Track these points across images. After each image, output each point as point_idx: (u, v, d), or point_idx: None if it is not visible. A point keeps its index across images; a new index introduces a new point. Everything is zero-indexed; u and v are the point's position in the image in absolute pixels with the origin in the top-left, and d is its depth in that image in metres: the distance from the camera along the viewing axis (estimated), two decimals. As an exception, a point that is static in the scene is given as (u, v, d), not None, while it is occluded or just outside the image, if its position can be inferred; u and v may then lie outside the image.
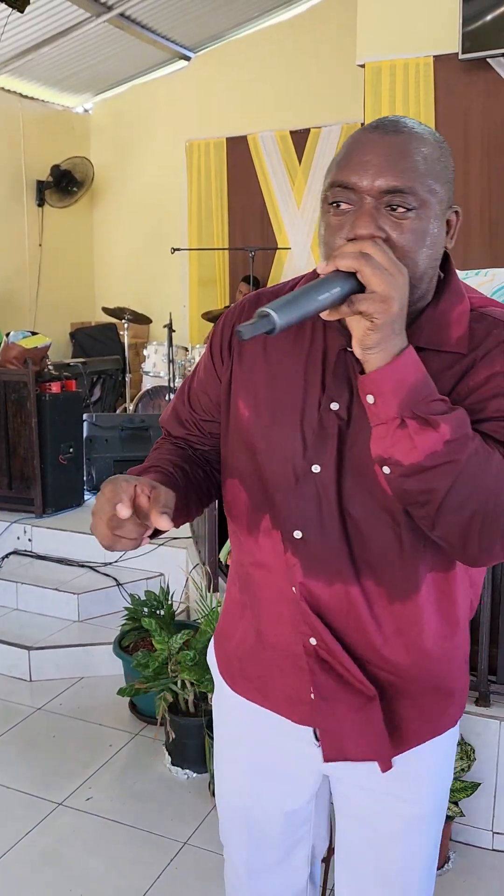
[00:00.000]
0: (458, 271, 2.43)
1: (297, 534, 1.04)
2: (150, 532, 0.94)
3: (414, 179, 0.92)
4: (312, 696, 1.11)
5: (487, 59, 4.38)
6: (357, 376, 0.94)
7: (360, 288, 0.87)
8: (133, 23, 5.94)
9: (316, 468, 1.02)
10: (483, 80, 4.47)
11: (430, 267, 0.97)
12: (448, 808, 1.98)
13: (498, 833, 2.12)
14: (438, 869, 2.04)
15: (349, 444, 1.01)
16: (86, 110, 7.34)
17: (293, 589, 1.07)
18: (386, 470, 0.92)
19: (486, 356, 0.96)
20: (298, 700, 1.13)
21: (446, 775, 1.22)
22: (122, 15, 5.75)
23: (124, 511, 0.89)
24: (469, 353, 0.97)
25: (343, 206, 0.94)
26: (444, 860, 2.06)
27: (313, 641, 1.08)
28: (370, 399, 0.90)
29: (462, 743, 2.08)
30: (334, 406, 1.01)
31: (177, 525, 1.01)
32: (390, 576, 1.03)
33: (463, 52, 4.34)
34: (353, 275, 0.87)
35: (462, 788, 2.03)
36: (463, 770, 2.03)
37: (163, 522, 0.89)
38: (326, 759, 1.13)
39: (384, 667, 1.08)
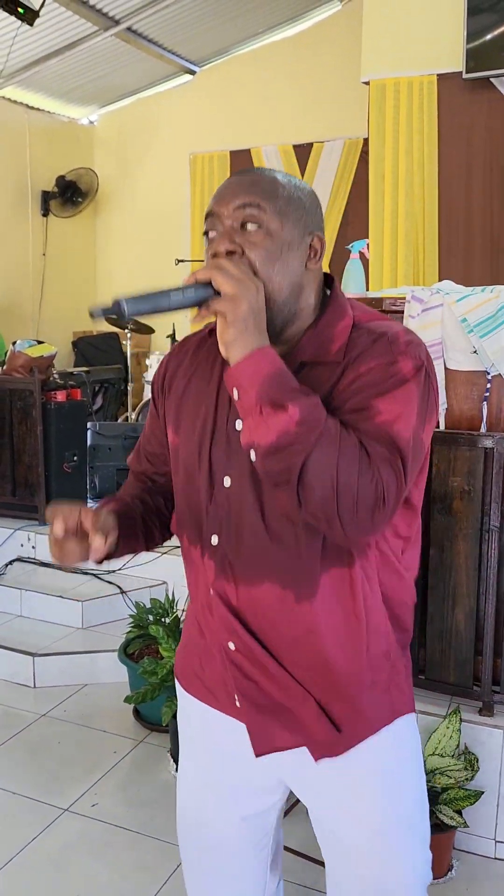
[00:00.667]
0: (462, 288, 2.49)
1: (214, 539, 1.16)
2: (99, 553, 1.10)
3: (262, 198, 1.06)
4: (236, 696, 1.18)
5: (490, 79, 4.45)
6: None
7: (217, 295, 1.02)
8: (140, 37, 6.01)
9: (227, 481, 1.13)
10: (486, 98, 4.54)
11: (291, 284, 1.09)
12: (451, 818, 2.01)
13: (500, 842, 2.14)
14: (441, 877, 2.06)
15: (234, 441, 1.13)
16: (91, 122, 7.40)
17: (210, 591, 1.17)
18: (252, 456, 1.04)
19: (355, 360, 1.08)
20: (232, 697, 1.20)
21: (404, 771, 1.22)
22: (129, 29, 5.82)
23: (57, 529, 1.08)
24: (343, 359, 1.10)
25: (211, 234, 1.09)
26: (446, 869, 2.08)
27: (232, 646, 1.16)
28: (235, 394, 1.03)
29: (466, 752, 2.11)
30: (238, 425, 1.11)
31: (143, 549, 1.27)
32: (293, 577, 1.11)
33: (467, 72, 4.41)
34: (210, 284, 1.02)
35: (465, 797, 2.05)
36: (466, 779, 2.05)
37: (96, 541, 1.08)
38: (257, 754, 1.18)
39: (302, 664, 1.14)
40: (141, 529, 1.26)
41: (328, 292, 1.17)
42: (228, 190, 1.09)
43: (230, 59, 6.74)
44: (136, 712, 2.85)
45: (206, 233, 1.11)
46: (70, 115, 7.16)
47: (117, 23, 5.72)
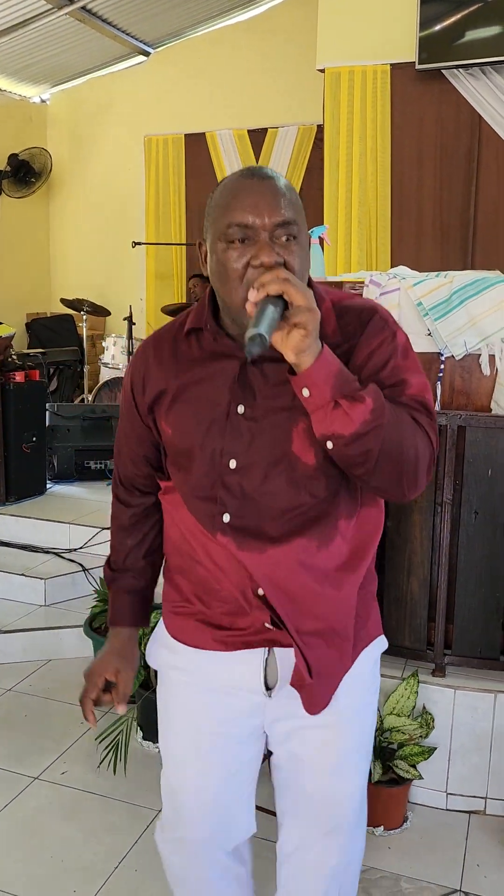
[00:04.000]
0: (416, 273, 2.64)
1: (226, 517, 1.24)
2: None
3: (295, 213, 1.16)
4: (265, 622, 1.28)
5: (442, 70, 4.58)
6: (256, 384, 1.21)
7: (285, 306, 1.07)
8: (94, 16, 5.95)
9: (233, 463, 1.22)
10: (438, 90, 4.67)
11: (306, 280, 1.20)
12: (407, 771, 2.14)
13: (451, 794, 2.29)
14: (397, 828, 2.20)
15: (257, 437, 1.22)
16: (43, 101, 7.31)
17: (232, 558, 1.26)
18: (329, 444, 1.13)
19: (362, 337, 1.21)
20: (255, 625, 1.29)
21: (367, 699, 1.42)
22: (83, 8, 5.76)
23: (91, 719, 1.41)
24: (346, 341, 1.20)
25: (245, 241, 1.14)
26: (401, 820, 2.22)
27: (261, 591, 1.26)
28: (306, 392, 1.11)
29: (424, 712, 2.24)
30: (240, 409, 1.22)
31: None
32: (314, 531, 1.24)
33: (420, 63, 4.53)
34: (279, 297, 1.07)
35: (420, 753, 2.19)
36: (421, 736, 2.19)
37: (121, 710, 1.37)
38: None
39: (317, 608, 1.27)
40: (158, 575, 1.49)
41: None
42: (264, 202, 1.13)
43: (185, 42, 6.73)
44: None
45: (234, 239, 1.14)
46: (22, 93, 7.06)
47: (71, 1, 5.67)
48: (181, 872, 1.46)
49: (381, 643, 1.44)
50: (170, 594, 1.39)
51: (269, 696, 1.32)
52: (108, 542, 3.81)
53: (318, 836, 1.39)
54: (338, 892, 1.42)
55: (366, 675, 1.38)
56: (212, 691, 1.34)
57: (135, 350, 1.33)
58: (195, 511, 1.27)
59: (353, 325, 1.21)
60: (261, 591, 1.25)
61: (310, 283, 1.23)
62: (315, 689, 1.28)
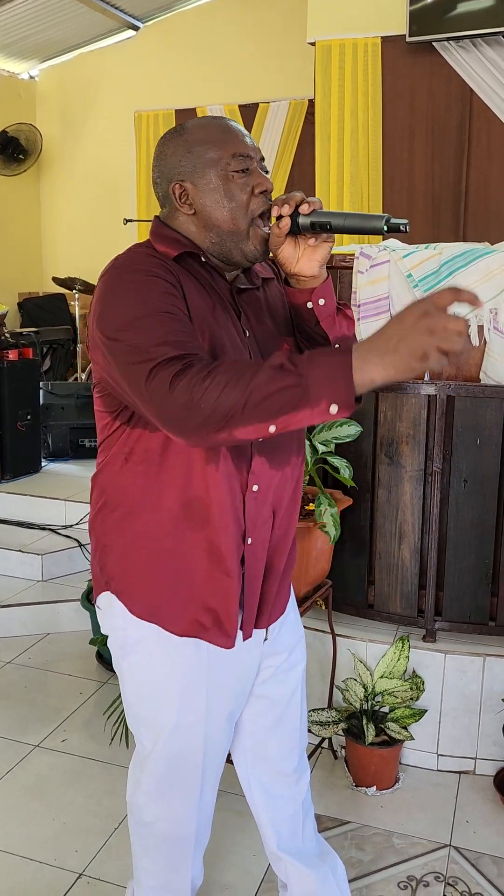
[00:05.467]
0: (406, 246, 2.68)
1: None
2: None
3: None
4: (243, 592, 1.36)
5: (433, 44, 4.55)
6: (245, 310, 1.32)
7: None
8: (82, -10, 5.90)
9: None
10: (428, 62, 4.65)
11: None
12: (398, 732, 2.20)
13: (442, 755, 2.35)
14: (389, 788, 2.26)
15: (257, 351, 1.31)
16: (32, 77, 7.24)
17: (253, 487, 1.32)
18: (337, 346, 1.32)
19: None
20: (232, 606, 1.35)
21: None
22: (71, -19, 5.71)
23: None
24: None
25: (249, 168, 1.26)
26: (393, 781, 2.28)
27: (250, 541, 1.33)
28: (321, 302, 1.31)
29: (414, 676, 2.30)
30: (247, 333, 1.31)
31: None
32: (297, 443, 1.38)
33: (410, 35, 4.50)
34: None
35: (411, 715, 2.24)
36: (413, 699, 2.25)
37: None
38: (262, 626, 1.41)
39: (289, 518, 1.43)
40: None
41: None
42: (249, 138, 1.29)
43: (174, 16, 6.66)
44: (100, 656, 2.97)
45: (240, 169, 1.25)
46: (10, 70, 6.99)
47: (59, -26, 5.61)
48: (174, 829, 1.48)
49: None
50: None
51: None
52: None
53: (282, 759, 1.54)
54: (303, 807, 1.59)
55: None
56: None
57: (127, 262, 1.25)
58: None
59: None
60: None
61: None
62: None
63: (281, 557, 1.42)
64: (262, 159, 1.29)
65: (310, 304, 1.31)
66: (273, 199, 1.27)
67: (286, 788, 1.55)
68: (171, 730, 1.38)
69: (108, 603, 1.39)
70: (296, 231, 1.25)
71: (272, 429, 1.06)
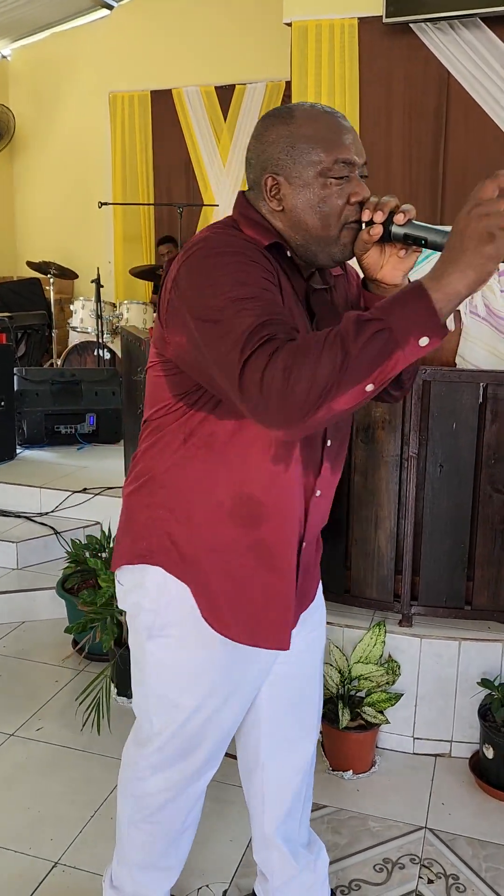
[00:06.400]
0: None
1: (329, 441, 1.33)
2: None
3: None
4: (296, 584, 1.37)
5: (410, 24, 4.52)
6: (317, 309, 1.30)
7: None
8: (54, -34, 5.78)
9: None
10: (406, 44, 4.62)
11: None
12: (374, 717, 2.20)
13: (418, 738, 2.36)
14: (366, 772, 2.27)
15: None
16: (3, 57, 7.10)
17: (317, 492, 1.34)
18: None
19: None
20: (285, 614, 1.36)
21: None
22: (42, -42, 5.59)
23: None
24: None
25: (346, 178, 1.20)
26: (370, 765, 2.29)
27: (304, 545, 1.36)
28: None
29: (390, 660, 2.30)
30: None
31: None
32: (341, 457, 1.39)
33: (387, 16, 4.46)
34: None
35: (387, 699, 2.25)
36: (388, 683, 2.25)
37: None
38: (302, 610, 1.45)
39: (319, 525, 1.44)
40: None
41: None
42: (358, 142, 1.23)
43: (149, -6, 6.56)
44: (76, 644, 2.95)
45: (341, 176, 1.20)
46: (-19, 49, 6.86)
47: (30, -50, 5.49)
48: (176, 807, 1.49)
49: None
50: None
51: None
52: (81, 506, 3.79)
53: (298, 738, 1.54)
54: (308, 789, 1.61)
55: None
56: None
57: (220, 244, 1.20)
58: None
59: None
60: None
61: None
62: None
63: (319, 552, 1.50)
64: (365, 163, 1.23)
65: None
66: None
67: (299, 764, 1.56)
68: (192, 711, 1.37)
69: (138, 579, 1.34)
70: (386, 239, 1.19)
71: (370, 387, 1.01)
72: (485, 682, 2.23)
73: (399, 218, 1.17)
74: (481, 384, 2.27)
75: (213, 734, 1.42)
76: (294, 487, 1.28)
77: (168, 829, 1.50)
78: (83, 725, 2.38)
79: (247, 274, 1.13)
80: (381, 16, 4.49)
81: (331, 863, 1.91)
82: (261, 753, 1.53)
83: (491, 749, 2.17)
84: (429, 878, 1.89)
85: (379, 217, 1.17)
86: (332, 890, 1.76)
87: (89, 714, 2.28)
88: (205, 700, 1.37)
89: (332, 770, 2.26)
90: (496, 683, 2.23)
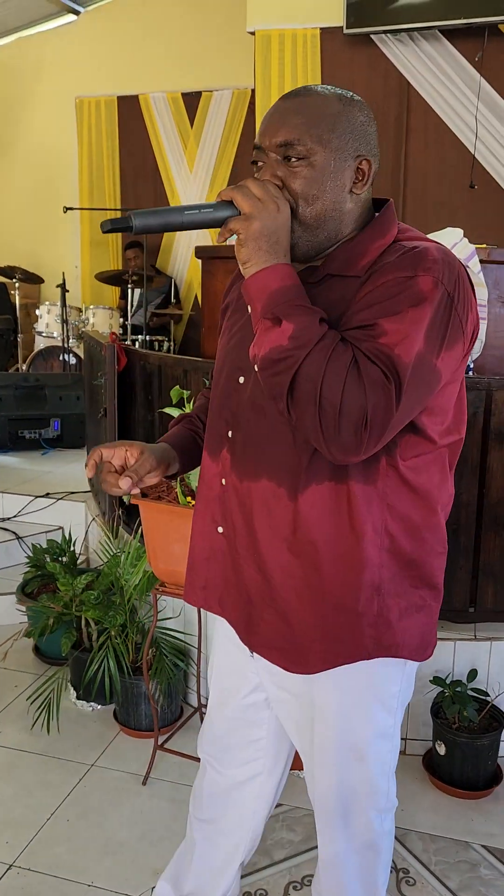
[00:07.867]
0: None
1: (230, 433, 1.23)
2: (124, 490, 1.22)
3: (303, 130, 1.07)
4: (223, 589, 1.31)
5: (370, 35, 4.60)
6: None
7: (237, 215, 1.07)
8: (19, -29, 5.78)
9: (241, 379, 1.22)
10: (366, 54, 4.69)
11: (333, 208, 1.11)
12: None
13: (407, 739, 2.39)
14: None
15: None
16: (-31, 60, 7.07)
17: (222, 481, 1.25)
18: (255, 367, 1.07)
19: (376, 273, 1.08)
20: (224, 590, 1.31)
21: (367, 712, 1.26)
22: (7, -38, 5.59)
23: (88, 472, 1.20)
24: (365, 274, 1.10)
25: (259, 164, 1.13)
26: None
27: (220, 530, 1.27)
28: (250, 309, 1.08)
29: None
30: None
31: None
32: (287, 476, 1.14)
33: (347, 27, 4.53)
34: (232, 204, 1.06)
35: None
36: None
37: (123, 483, 1.21)
38: (246, 644, 1.28)
39: (282, 568, 1.17)
40: (199, 445, 1.40)
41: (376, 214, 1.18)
42: (272, 121, 1.10)
43: (116, 1, 6.58)
44: (36, 649, 2.95)
45: (254, 162, 1.13)
46: None
47: (-6, -45, 5.48)
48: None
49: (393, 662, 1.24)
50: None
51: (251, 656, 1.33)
52: (44, 511, 3.78)
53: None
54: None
55: (361, 685, 1.24)
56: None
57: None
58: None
59: (385, 260, 1.09)
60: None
61: (377, 217, 1.16)
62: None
63: (270, 588, 1.38)
64: (284, 144, 1.12)
65: None
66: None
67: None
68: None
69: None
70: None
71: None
72: (437, 680, 2.27)
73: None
74: None
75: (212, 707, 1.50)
76: (207, 466, 1.31)
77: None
78: (32, 725, 2.38)
79: None
80: (342, 26, 4.56)
81: (285, 859, 1.94)
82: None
83: (443, 746, 2.21)
84: (380, 873, 1.92)
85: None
86: (285, 885, 1.79)
87: (39, 714, 2.29)
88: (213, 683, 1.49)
89: (289, 769, 2.28)
90: (448, 681, 2.27)
